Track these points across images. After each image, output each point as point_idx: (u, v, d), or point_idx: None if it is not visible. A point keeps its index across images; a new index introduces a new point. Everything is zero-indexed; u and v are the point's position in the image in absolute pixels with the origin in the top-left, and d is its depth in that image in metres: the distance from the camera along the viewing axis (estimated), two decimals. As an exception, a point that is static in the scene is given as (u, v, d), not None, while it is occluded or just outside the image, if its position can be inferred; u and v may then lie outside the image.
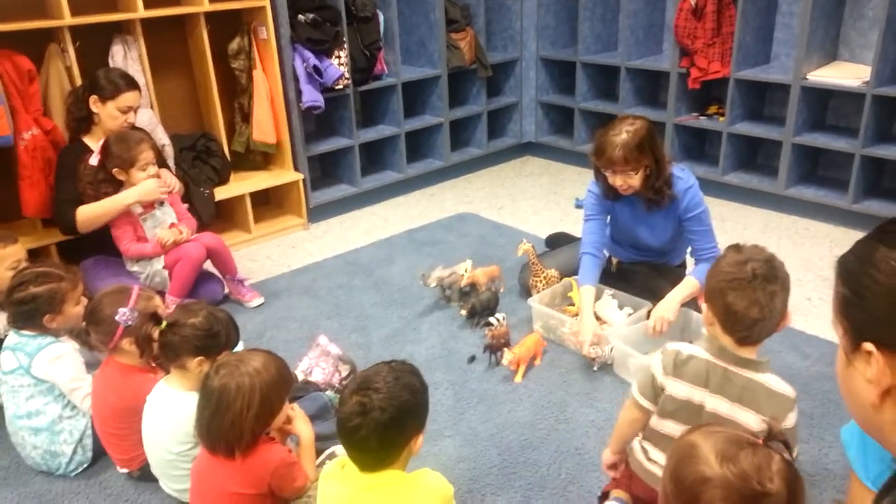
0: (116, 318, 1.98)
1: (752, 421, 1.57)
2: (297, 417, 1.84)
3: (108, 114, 2.93)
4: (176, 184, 3.08)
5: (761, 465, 1.03)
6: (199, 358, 1.86)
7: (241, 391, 1.61)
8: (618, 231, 2.89)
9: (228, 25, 3.68)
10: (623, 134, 2.44)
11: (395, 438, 1.47)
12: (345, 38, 3.82)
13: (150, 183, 2.86)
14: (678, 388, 1.64)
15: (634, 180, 2.52)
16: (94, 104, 2.93)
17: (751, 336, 1.58)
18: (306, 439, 1.83)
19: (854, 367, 0.86)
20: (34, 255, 3.04)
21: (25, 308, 2.09)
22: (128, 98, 2.95)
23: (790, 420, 1.58)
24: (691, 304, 2.59)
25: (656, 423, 1.69)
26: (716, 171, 4.06)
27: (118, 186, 2.85)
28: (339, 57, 3.82)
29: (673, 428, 1.66)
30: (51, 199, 3.07)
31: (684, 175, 2.60)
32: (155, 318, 1.89)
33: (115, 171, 2.80)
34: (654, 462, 1.72)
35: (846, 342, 0.87)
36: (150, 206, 2.93)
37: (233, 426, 1.61)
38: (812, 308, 2.94)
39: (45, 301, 2.09)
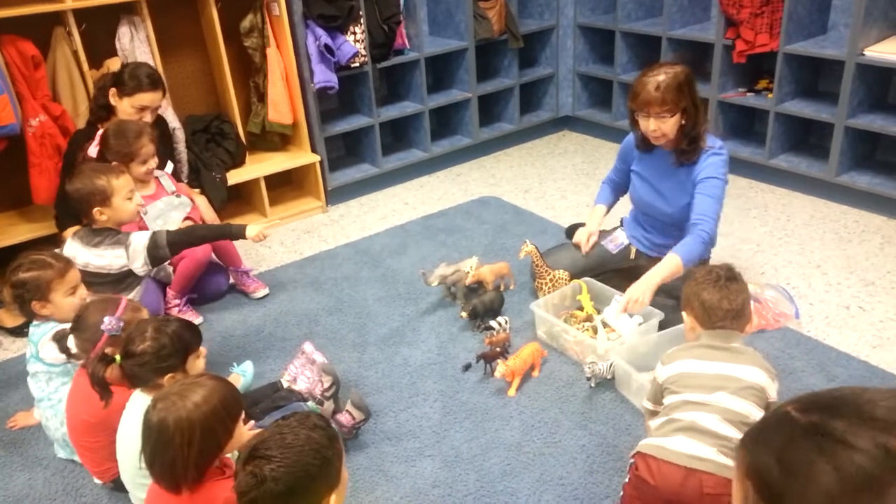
0: (102, 326, 1.96)
1: (760, 376, 1.71)
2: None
3: (123, 109, 2.91)
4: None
5: None
6: (168, 375, 1.82)
7: (179, 426, 1.53)
8: (637, 194, 2.77)
9: (241, 2, 3.54)
10: (661, 75, 2.40)
11: None
12: (361, 13, 3.64)
13: None
14: (674, 366, 1.80)
15: (668, 125, 2.44)
16: (113, 97, 2.90)
17: (725, 327, 1.80)
18: None
19: None
20: (45, 242, 3.05)
21: (17, 293, 2.14)
22: (144, 98, 2.90)
23: (772, 392, 1.72)
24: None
25: (668, 402, 1.78)
26: (762, 153, 3.74)
27: None
28: (354, 33, 3.65)
29: (687, 396, 1.73)
30: (56, 190, 3.05)
31: (717, 144, 2.53)
32: (105, 359, 1.85)
33: (114, 164, 2.75)
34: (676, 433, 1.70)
35: None
36: (151, 196, 2.89)
37: (174, 462, 1.53)
38: (849, 318, 2.65)
39: (30, 288, 2.13)
